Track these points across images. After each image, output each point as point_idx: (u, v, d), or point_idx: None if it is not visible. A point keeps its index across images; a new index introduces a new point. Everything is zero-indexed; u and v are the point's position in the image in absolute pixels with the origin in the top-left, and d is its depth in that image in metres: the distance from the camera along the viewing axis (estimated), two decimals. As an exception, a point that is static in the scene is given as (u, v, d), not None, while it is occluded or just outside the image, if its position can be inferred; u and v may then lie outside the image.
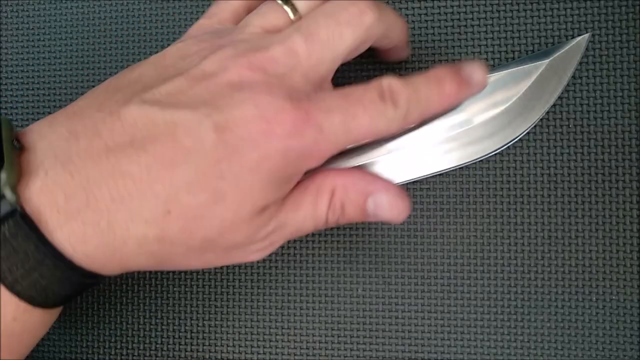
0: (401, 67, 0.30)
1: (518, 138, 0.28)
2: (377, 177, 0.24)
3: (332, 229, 0.30)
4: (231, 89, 0.20)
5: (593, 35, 0.29)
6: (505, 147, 0.28)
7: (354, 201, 0.23)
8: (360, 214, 0.23)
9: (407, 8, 0.30)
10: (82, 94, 0.24)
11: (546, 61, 0.27)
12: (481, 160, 0.29)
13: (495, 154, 0.29)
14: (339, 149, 0.22)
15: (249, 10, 0.24)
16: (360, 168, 0.25)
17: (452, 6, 0.30)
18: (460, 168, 0.29)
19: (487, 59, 0.29)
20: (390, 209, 0.23)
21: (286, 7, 0.22)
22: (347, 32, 0.21)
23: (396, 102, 0.21)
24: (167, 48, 0.23)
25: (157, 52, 0.24)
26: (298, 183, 0.22)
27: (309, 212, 0.22)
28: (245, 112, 0.19)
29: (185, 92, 0.20)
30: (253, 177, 0.19)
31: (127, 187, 0.19)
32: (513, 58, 0.29)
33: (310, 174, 0.23)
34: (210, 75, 0.20)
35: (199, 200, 0.19)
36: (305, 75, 0.21)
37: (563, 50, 0.27)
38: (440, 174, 0.29)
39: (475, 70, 0.24)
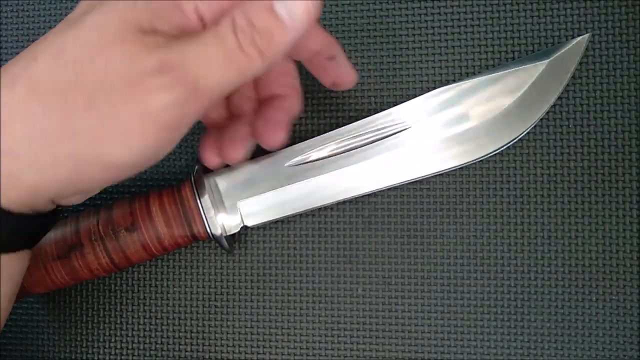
0: (401, 68, 0.30)
1: (518, 138, 0.28)
2: None
3: (331, 228, 0.30)
4: None
5: (593, 35, 0.29)
6: (505, 147, 0.28)
7: (259, 10, 0.20)
8: (274, 22, 0.20)
9: (407, 8, 0.30)
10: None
11: (546, 61, 0.27)
12: (481, 160, 0.29)
13: (495, 154, 0.29)
14: None
15: None
16: None
17: (452, 6, 0.30)
18: (460, 168, 0.29)
19: (487, 59, 0.29)
20: (300, 9, 0.20)
21: None
22: None
23: None
24: None
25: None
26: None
27: (210, 40, 0.20)
28: None
29: None
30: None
31: None
32: (513, 58, 0.29)
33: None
34: None
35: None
36: None
37: (563, 51, 0.27)
38: (440, 174, 0.29)
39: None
